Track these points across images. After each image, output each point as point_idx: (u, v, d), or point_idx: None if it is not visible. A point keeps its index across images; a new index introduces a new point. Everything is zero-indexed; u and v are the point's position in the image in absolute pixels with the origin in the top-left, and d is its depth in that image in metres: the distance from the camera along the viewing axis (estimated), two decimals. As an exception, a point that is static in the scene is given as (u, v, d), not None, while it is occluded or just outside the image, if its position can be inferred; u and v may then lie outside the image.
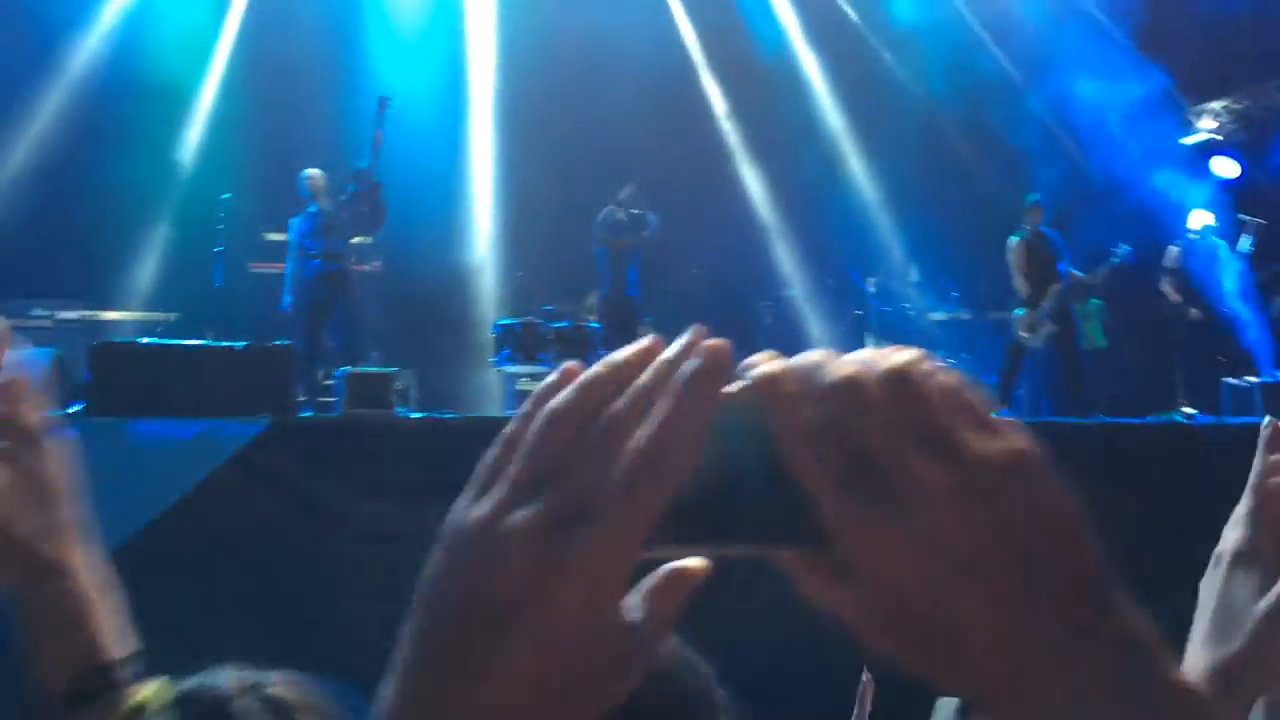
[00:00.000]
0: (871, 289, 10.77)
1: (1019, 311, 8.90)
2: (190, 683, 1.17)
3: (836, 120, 12.45)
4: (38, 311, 9.53)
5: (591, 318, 9.73)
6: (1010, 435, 0.47)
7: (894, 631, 0.47)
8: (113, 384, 5.84)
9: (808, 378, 0.48)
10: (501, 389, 9.62)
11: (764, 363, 0.49)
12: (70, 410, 5.95)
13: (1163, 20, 10.71)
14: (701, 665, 1.51)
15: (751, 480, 0.47)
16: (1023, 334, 8.87)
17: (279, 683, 1.22)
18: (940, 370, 0.48)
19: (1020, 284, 8.91)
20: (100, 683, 0.82)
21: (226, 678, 1.21)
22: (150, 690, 0.84)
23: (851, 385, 0.47)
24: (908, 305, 10.90)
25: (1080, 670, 0.45)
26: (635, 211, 9.73)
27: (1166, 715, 0.45)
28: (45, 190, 10.14)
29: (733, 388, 0.48)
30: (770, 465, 0.47)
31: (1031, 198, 9.14)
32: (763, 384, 0.48)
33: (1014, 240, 8.95)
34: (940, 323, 10.95)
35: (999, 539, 0.45)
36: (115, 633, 0.87)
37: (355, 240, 8.67)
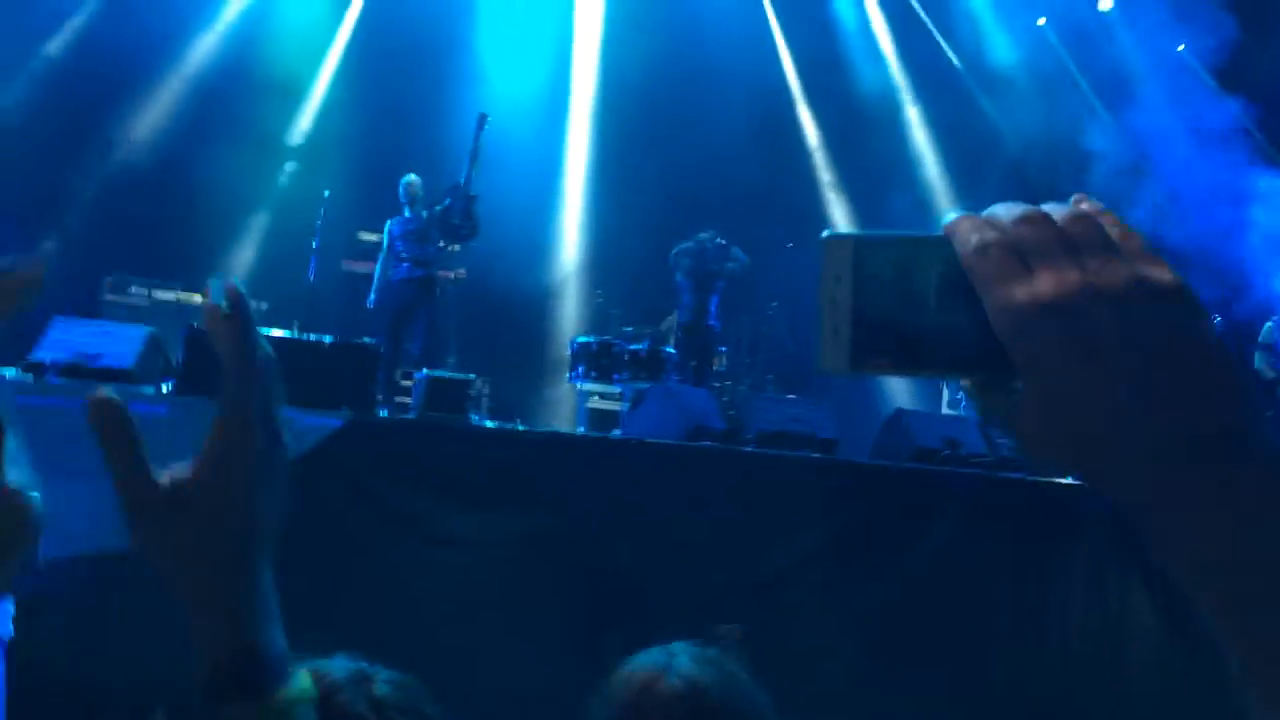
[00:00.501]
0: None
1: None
2: (304, 666, 1.20)
3: (929, 158, 12.37)
4: (135, 289, 9.90)
5: (667, 343, 9.77)
6: (1164, 265, 0.54)
7: (1056, 439, 0.53)
8: (203, 366, 6.01)
9: (993, 214, 0.56)
10: (574, 405, 9.70)
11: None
12: (162, 388, 6.16)
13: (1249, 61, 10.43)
14: (760, 694, 1.54)
15: (943, 313, 0.56)
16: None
17: (387, 682, 1.25)
18: (1110, 214, 0.56)
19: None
20: (251, 667, 0.81)
21: (340, 667, 1.24)
22: (305, 680, 0.83)
23: (1037, 213, 0.56)
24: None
25: (1227, 467, 0.49)
26: (722, 242, 9.75)
27: None
28: (154, 174, 10.54)
29: (929, 235, 0.58)
30: (959, 299, 0.55)
31: None
32: (952, 225, 0.57)
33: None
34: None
35: (1153, 341, 0.51)
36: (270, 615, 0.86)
37: (443, 247, 8.85)
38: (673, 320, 10.21)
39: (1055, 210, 0.56)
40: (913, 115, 12.48)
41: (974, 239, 0.55)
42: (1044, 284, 0.53)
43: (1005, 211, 0.56)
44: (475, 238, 8.60)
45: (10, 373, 6.15)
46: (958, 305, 0.55)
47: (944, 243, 0.56)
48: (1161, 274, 0.53)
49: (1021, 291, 0.53)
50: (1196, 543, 0.49)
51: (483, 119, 8.66)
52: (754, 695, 1.53)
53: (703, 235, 9.75)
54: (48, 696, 4.95)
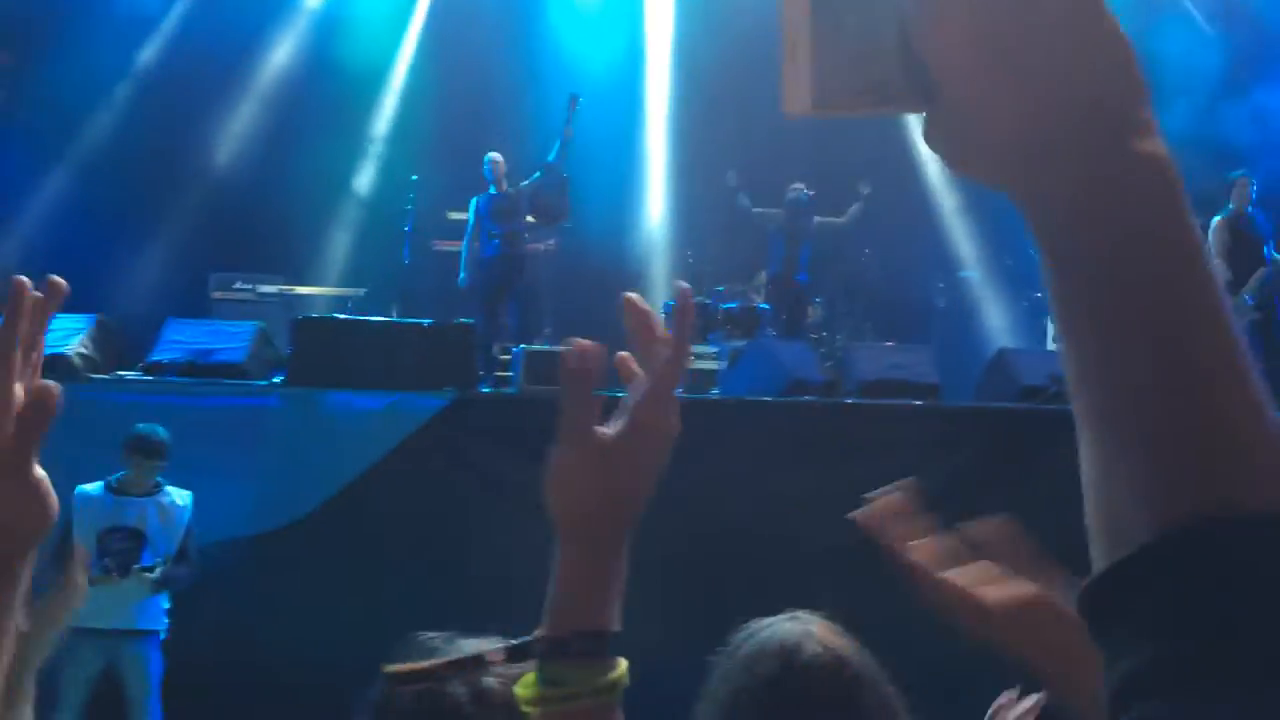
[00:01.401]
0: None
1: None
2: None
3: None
4: (240, 285, 10.23)
5: (759, 299, 9.71)
6: None
7: (965, 146, 0.54)
8: (312, 356, 6.22)
9: None
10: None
11: None
12: (274, 380, 6.38)
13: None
14: (883, 676, 1.52)
15: (902, 46, 0.56)
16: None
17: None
18: None
19: (1220, 268, 8.37)
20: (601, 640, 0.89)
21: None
22: (624, 665, 0.90)
23: None
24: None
25: (1109, 142, 0.50)
26: (811, 194, 9.63)
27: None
28: (246, 171, 10.84)
29: None
30: (902, 43, 0.56)
31: (1236, 173, 8.54)
32: None
33: (1216, 220, 8.38)
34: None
35: (1048, 27, 0.51)
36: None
37: (533, 224, 8.92)
38: (763, 277, 10.14)
39: None
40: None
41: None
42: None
43: None
44: (568, 220, 8.63)
45: (131, 374, 6.46)
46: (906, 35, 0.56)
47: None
48: None
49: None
50: (1065, 225, 0.50)
51: (574, 100, 8.60)
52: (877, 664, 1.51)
53: (793, 188, 9.64)
54: (203, 681, 5.24)
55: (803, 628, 1.46)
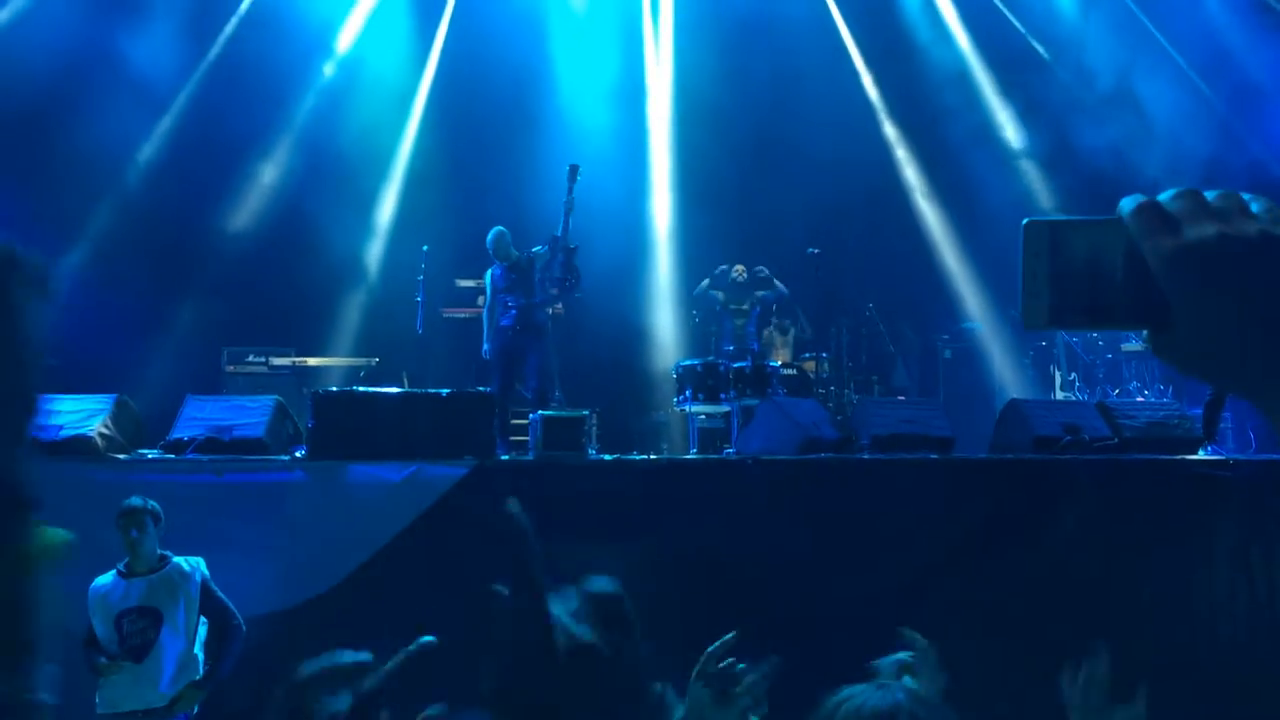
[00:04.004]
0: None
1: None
2: None
3: (1022, 148, 12.18)
4: (253, 358, 10.32)
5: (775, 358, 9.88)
6: None
7: (1200, 358, 0.69)
8: (331, 429, 6.26)
9: (1156, 203, 0.72)
10: (682, 427, 9.78)
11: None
12: (295, 453, 6.41)
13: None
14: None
15: (1121, 278, 0.72)
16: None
17: None
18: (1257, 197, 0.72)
19: None
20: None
21: None
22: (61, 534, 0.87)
23: (1189, 189, 0.72)
24: (1096, 335, 10.48)
25: None
26: (761, 270, 10.42)
27: None
28: (256, 246, 10.98)
29: (1107, 217, 0.74)
30: (1134, 268, 0.71)
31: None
32: (1123, 203, 0.73)
33: None
34: (1134, 354, 10.49)
35: (1274, 280, 0.67)
36: None
37: (551, 294, 9.06)
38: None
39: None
40: (995, 104, 12.28)
41: (1134, 205, 0.71)
42: (1188, 234, 0.69)
43: (1165, 192, 0.73)
44: (579, 289, 8.77)
45: (152, 453, 6.49)
46: (1131, 268, 0.71)
47: (1118, 222, 0.73)
48: None
49: (1170, 240, 0.69)
50: None
51: (574, 170, 8.76)
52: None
53: (733, 270, 10.49)
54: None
55: (893, 696, 1.50)
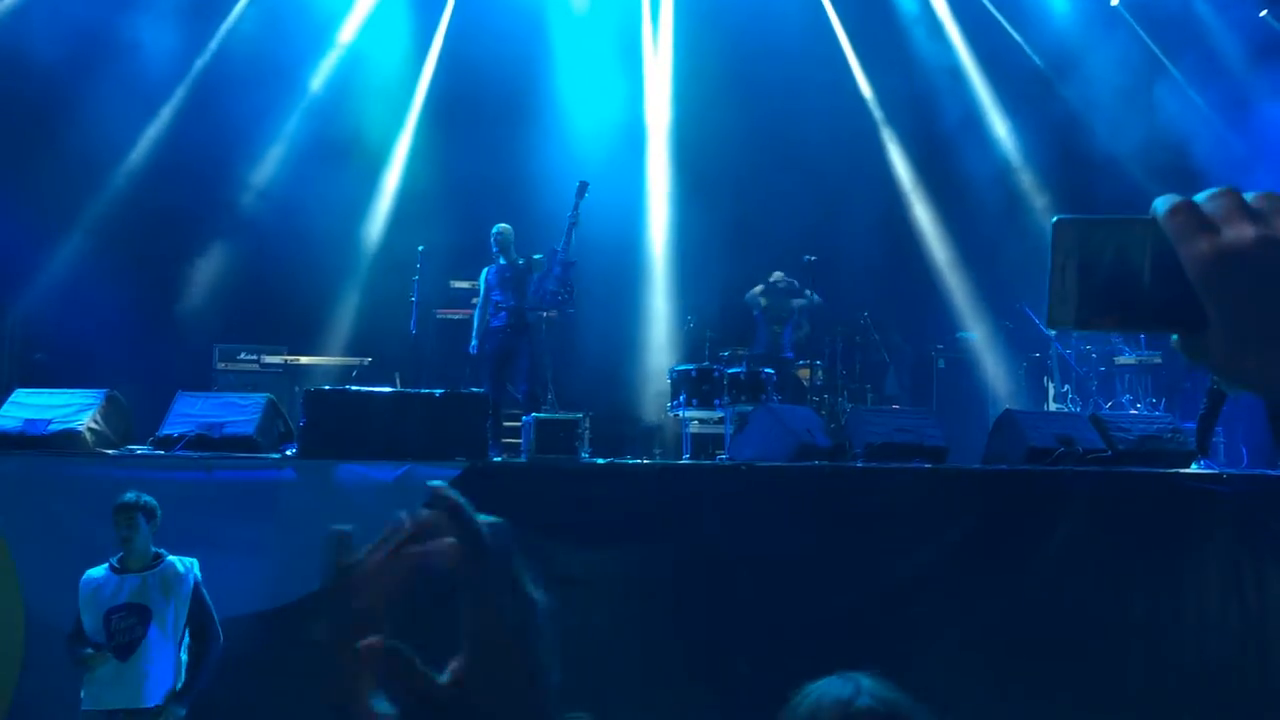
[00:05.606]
0: (1052, 331, 10.41)
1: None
2: None
3: (1016, 159, 12.20)
4: (244, 355, 10.27)
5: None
6: None
7: (1239, 362, 0.67)
8: (323, 428, 6.22)
9: (1193, 203, 0.69)
10: (676, 431, 9.76)
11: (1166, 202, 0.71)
12: (286, 452, 6.37)
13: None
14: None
15: (1151, 280, 0.70)
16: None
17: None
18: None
19: None
20: None
21: None
22: None
23: (1227, 188, 0.69)
24: (1090, 348, 10.49)
25: None
26: (792, 282, 10.30)
27: None
28: (250, 243, 10.92)
29: (1137, 216, 0.72)
30: (1165, 269, 0.69)
31: None
32: (1157, 203, 0.70)
33: None
34: (1127, 367, 10.50)
35: None
36: None
37: (544, 310, 9.05)
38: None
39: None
40: (995, 118, 12.30)
41: (1168, 206, 0.69)
42: (1226, 236, 0.66)
43: (1202, 192, 0.70)
44: (571, 305, 8.75)
45: (141, 449, 6.45)
46: (1161, 269, 0.69)
47: (1150, 222, 0.70)
48: None
49: (1207, 242, 0.66)
50: None
51: (584, 187, 8.73)
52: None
53: (774, 276, 10.35)
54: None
55: (855, 685, 1.55)
